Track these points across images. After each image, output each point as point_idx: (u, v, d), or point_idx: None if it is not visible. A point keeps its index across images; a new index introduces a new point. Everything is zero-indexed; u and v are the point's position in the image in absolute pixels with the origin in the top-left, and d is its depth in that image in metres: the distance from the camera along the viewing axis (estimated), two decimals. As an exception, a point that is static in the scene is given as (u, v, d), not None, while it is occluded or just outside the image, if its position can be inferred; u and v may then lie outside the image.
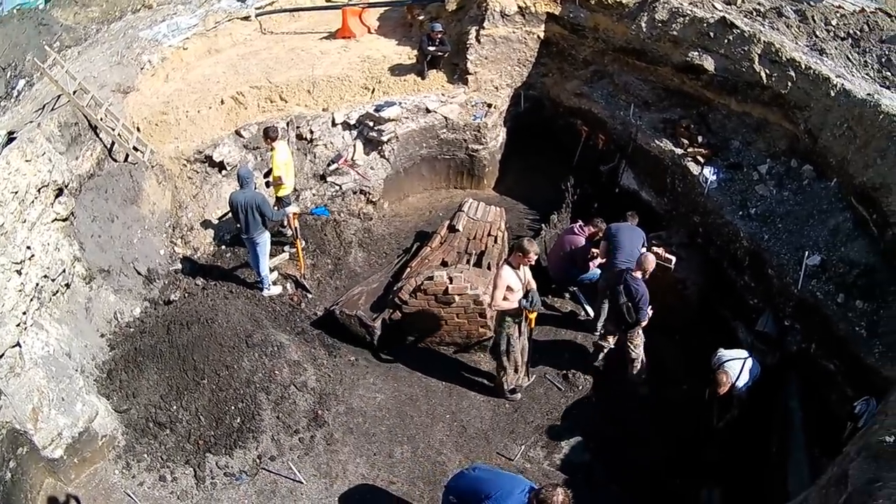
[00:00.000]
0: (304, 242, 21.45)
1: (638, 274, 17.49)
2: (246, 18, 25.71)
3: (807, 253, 18.03)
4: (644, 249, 18.88)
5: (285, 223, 21.22)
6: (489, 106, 24.98)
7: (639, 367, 18.52)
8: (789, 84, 20.23)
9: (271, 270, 20.29)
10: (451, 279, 18.25)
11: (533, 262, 16.42)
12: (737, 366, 16.75)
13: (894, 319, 16.13)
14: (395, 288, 19.01)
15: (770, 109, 21.18)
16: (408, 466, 16.35)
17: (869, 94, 18.51)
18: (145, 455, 15.58)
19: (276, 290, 20.10)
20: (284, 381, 17.23)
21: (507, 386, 17.80)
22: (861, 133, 18.32)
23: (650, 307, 17.58)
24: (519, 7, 24.65)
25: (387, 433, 16.91)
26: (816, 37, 20.97)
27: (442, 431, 17.32)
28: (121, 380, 16.45)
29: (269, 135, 20.17)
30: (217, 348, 17.07)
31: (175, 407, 16.19)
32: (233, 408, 16.35)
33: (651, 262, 17.66)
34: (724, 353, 17.13)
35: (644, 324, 17.88)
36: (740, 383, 16.58)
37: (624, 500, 16.35)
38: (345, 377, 18.10)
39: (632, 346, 18.19)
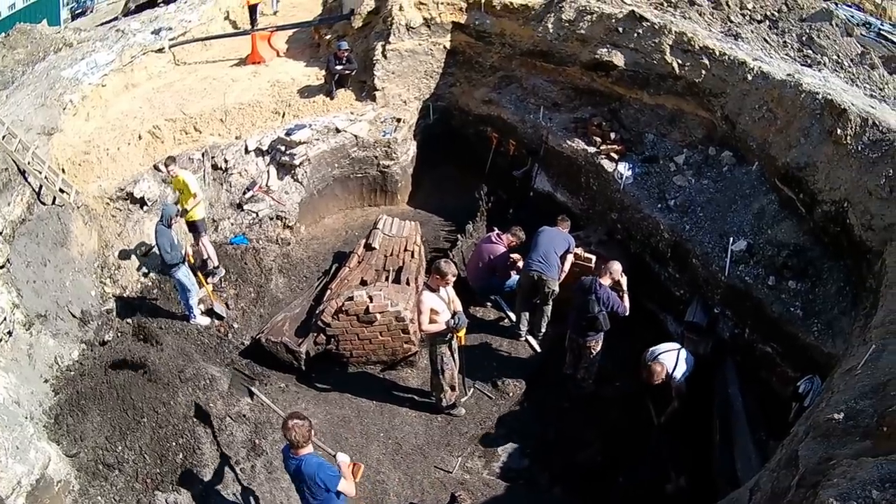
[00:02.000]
0: (222, 271, 20.93)
1: (605, 281, 17.14)
2: (160, 51, 25.12)
3: (731, 239, 17.77)
4: (566, 254, 18.81)
5: (205, 255, 20.69)
6: (398, 121, 24.52)
7: (593, 370, 18.12)
8: (703, 72, 20.00)
9: (201, 306, 19.67)
10: (370, 298, 17.76)
11: (451, 283, 15.99)
12: (671, 357, 16.39)
13: (831, 297, 15.93)
14: (317, 311, 18.47)
15: (684, 99, 20.93)
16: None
17: (789, 75, 18.28)
18: (99, 497, 14.81)
19: (204, 320, 19.49)
20: (220, 413, 16.53)
21: (447, 403, 17.35)
22: (782, 114, 18.06)
23: (622, 306, 17.25)
24: (424, 19, 24.31)
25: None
26: (731, 22, 20.83)
27: (378, 450, 16.88)
28: (67, 424, 15.71)
29: (169, 165, 19.67)
30: (152, 386, 16.40)
31: (120, 447, 15.37)
32: (174, 444, 15.69)
33: (617, 270, 17.35)
34: (657, 348, 16.82)
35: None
36: (678, 373, 16.22)
37: (568, 502, 15.92)
38: (277, 404, 17.03)
39: (592, 351, 17.71)
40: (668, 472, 16.42)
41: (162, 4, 26.12)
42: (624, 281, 17.43)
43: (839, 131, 16.31)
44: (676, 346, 16.81)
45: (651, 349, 16.89)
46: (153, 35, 25.55)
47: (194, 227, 20.37)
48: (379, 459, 16.54)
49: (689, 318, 18.18)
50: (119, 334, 18.43)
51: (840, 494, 8.21)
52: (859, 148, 15.84)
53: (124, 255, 19.99)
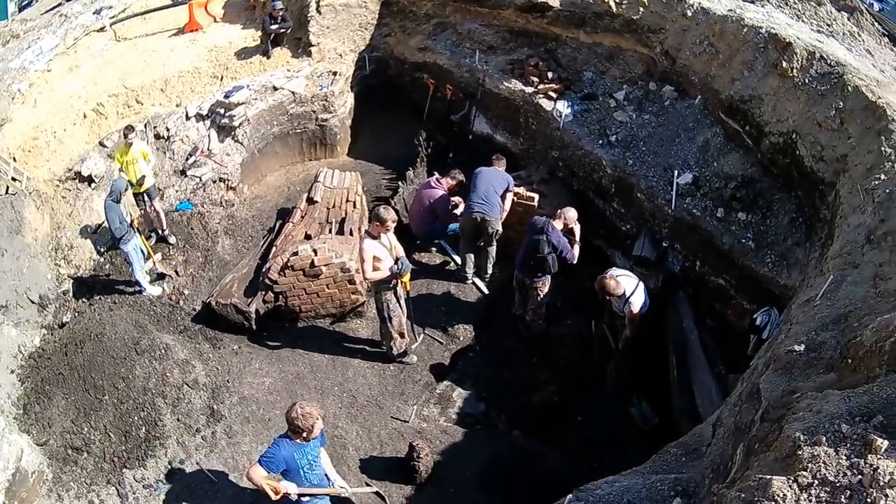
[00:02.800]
0: (173, 238, 20.77)
1: (558, 224, 16.95)
2: (102, 30, 24.48)
3: (676, 172, 17.70)
4: (506, 193, 18.52)
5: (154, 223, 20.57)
6: (334, 74, 24.20)
7: (542, 311, 18.00)
8: (641, 10, 19.84)
9: (149, 273, 19.55)
10: (315, 251, 17.43)
11: (392, 229, 15.63)
12: (630, 282, 16.25)
13: (784, 228, 15.92)
14: (264, 269, 18.32)
15: (622, 37, 20.77)
16: None
17: (730, 10, 18.21)
18: (72, 483, 14.72)
19: (155, 290, 19.25)
20: (177, 381, 16.29)
21: (397, 351, 17.19)
22: (724, 48, 17.98)
23: (571, 252, 17.14)
24: None
25: (281, 416, 14.99)
26: (669, -42, 20.36)
27: (334, 405, 16.63)
28: (35, 413, 15.71)
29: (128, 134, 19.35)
30: (110, 361, 16.29)
31: (86, 429, 15.39)
32: (136, 418, 15.57)
33: (572, 216, 17.23)
34: (614, 270, 16.61)
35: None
36: (634, 300, 16.08)
37: (529, 444, 15.78)
38: (232, 367, 17.12)
39: (539, 293, 17.53)
40: (630, 397, 16.56)
41: None
42: (577, 229, 17.34)
43: (784, 64, 16.19)
44: (633, 275, 16.63)
45: (610, 270, 16.65)
46: (94, 15, 25.06)
47: (148, 195, 20.14)
48: (335, 414, 16.34)
49: (637, 253, 18.13)
50: (76, 314, 18.32)
51: (807, 429, 7.97)
52: (806, 80, 15.71)
53: (76, 234, 19.73)
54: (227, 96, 22.27)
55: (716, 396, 14.79)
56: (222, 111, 22.32)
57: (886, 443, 7.29)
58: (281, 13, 23.44)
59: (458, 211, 19.38)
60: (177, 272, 20.02)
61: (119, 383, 15.87)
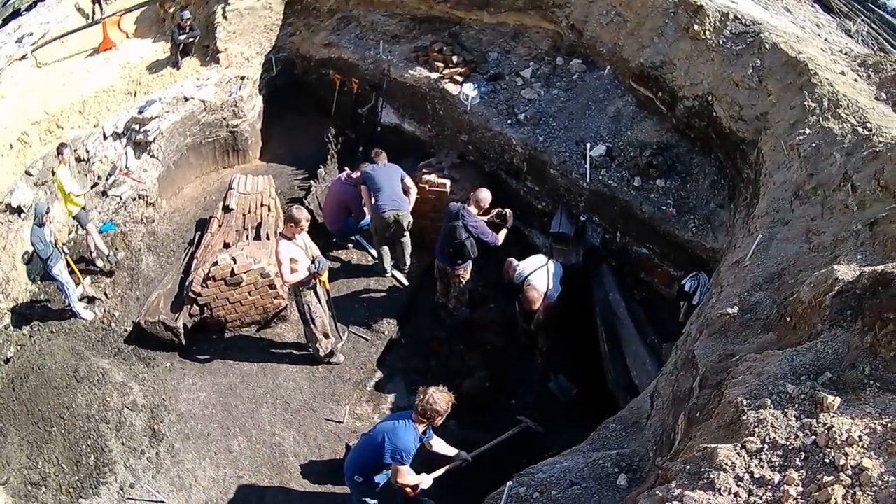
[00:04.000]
0: (120, 254, 20.42)
1: (472, 209, 16.60)
2: (24, 58, 23.68)
3: (589, 145, 17.37)
4: (404, 182, 18.23)
5: (92, 247, 20.05)
6: (242, 78, 23.87)
7: (465, 298, 17.93)
8: None
9: (81, 298, 19.06)
10: (234, 259, 17.19)
11: (306, 229, 15.37)
12: (542, 277, 16.15)
13: (705, 191, 15.94)
14: (186, 283, 17.96)
15: (526, 14, 20.56)
16: (248, 457, 15.64)
17: None
18: None
19: (88, 315, 18.86)
20: (117, 405, 16.21)
21: (324, 352, 16.93)
22: (632, 17, 17.79)
23: (493, 236, 16.77)
24: None
25: (219, 429, 16.16)
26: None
27: (268, 413, 16.46)
28: None
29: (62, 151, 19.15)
30: (53, 392, 16.31)
31: (41, 463, 15.44)
32: (84, 447, 15.52)
33: (484, 197, 16.83)
34: (524, 268, 16.56)
35: (509, 224, 17.16)
36: (552, 293, 16.08)
37: (464, 432, 15.52)
38: (167, 385, 16.97)
39: (461, 280, 17.43)
40: (547, 374, 16.67)
41: (24, 13, 24.93)
42: (510, 214, 17.09)
43: (696, 27, 16.05)
44: (541, 260, 16.56)
45: (517, 268, 16.59)
46: (17, 44, 24.55)
47: (77, 220, 19.73)
48: (271, 422, 16.19)
49: (555, 230, 17.82)
50: (18, 348, 18.05)
51: (749, 392, 7.71)
52: (721, 42, 15.59)
53: (11, 267, 19.34)
54: (140, 112, 21.87)
55: (651, 367, 14.60)
56: (137, 127, 21.90)
57: (839, 400, 7.02)
58: (188, 23, 23.06)
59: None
60: (106, 294, 19.63)
61: (64, 413, 15.80)
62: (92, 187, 20.10)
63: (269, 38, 24.35)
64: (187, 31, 22.78)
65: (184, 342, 17.59)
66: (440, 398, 11.05)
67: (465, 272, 17.20)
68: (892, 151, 10.59)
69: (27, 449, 15.37)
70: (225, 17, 23.11)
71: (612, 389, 15.50)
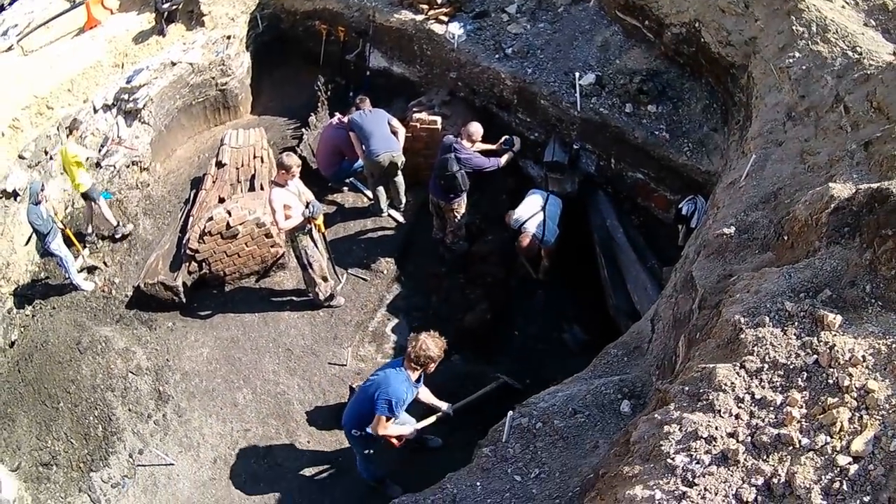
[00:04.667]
0: (129, 226, 20.18)
1: (466, 143, 16.53)
2: (10, 49, 23.43)
3: (578, 74, 17.24)
4: (391, 123, 18.04)
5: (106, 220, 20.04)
6: (228, 38, 23.68)
7: (462, 232, 17.84)
8: None
9: (81, 270, 18.98)
10: (229, 212, 17.09)
11: (297, 175, 15.34)
12: (536, 223, 16.24)
13: (697, 116, 15.79)
14: (184, 241, 17.97)
15: None
16: (254, 408, 15.53)
17: None
18: (49, 501, 14.70)
19: (88, 286, 18.73)
20: (121, 371, 16.07)
21: (324, 296, 16.84)
22: None
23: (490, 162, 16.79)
24: None
25: (224, 383, 16.06)
26: None
27: (272, 362, 16.24)
28: (4, 439, 15.62)
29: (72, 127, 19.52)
30: (58, 367, 16.19)
31: (50, 442, 15.32)
32: (91, 418, 15.41)
33: (476, 130, 16.75)
34: (520, 214, 16.51)
35: (516, 149, 17.39)
36: (547, 236, 16.16)
37: (470, 366, 15.62)
38: (170, 345, 16.84)
39: (456, 214, 17.30)
40: (560, 324, 16.42)
41: (7, 6, 24.78)
42: (517, 140, 17.31)
43: None
44: (538, 204, 16.63)
45: (514, 215, 16.55)
46: (3, 37, 24.41)
47: (88, 196, 19.71)
48: (275, 371, 16.07)
49: (549, 159, 17.63)
50: (22, 329, 18.00)
51: (747, 310, 7.64)
52: None
53: (9, 251, 19.29)
54: (128, 81, 21.70)
55: (652, 291, 14.61)
56: (126, 97, 21.78)
57: (840, 317, 6.92)
58: None
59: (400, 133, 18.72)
60: (105, 263, 19.59)
61: (70, 387, 15.74)
62: (86, 160, 19.78)
63: (252, -4, 24.32)
64: None
65: (184, 300, 17.49)
66: (432, 344, 10.90)
67: (460, 206, 17.12)
68: (884, 74, 10.48)
69: (36, 430, 15.38)
70: (208, -20, 22.96)
71: (613, 315, 15.52)
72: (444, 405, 12.27)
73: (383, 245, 18.53)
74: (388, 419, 11.08)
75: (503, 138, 17.15)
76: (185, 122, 23.49)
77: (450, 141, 16.41)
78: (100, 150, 20.99)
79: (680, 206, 14.79)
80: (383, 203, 18.87)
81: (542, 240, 16.00)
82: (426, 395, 12.17)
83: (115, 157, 21.26)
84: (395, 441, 11.66)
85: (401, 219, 18.92)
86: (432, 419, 12.15)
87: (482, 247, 17.94)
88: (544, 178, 17.40)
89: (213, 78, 23.14)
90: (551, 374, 14.32)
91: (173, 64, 22.23)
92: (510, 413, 10.47)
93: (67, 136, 19.21)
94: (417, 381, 11.36)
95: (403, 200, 18.95)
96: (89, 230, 19.79)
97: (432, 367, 11.09)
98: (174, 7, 22.64)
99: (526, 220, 16.18)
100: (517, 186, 17.51)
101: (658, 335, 11.22)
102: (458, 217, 17.21)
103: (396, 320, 16.96)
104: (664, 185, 16.13)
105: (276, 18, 24.71)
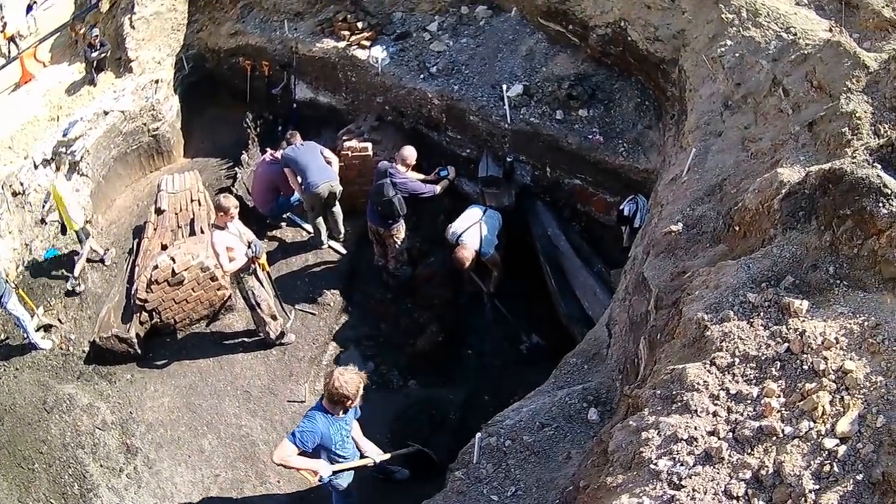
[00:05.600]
0: (112, 252, 20.49)
1: (401, 167, 16.54)
2: None
3: (505, 86, 17.22)
4: (328, 154, 18.10)
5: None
6: (156, 82, 23.59)
7: (403, 257, 17.79)
8: None
9: (38, 329, 18.72)
10: (173, 259, 17.04)
11: (236, 216, 15.27)
12: (474, 235, 16.08)
13: (630, 115, 15.73)
14: (132, 292, 17.75)
15: None
16: (221, 453, 15.35)
17: None
18: None
19: (46, 344, 18.56)
20: (88, 428, 16.02)
21: (274, 334, 16.80)
22: None
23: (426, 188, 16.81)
24: None
25: (188, 431, 15.98)
26: None
27: (232, 405, 16.13)
28: None
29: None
30: (28, 429, 16.09)
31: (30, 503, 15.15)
32: (66, 477, 15.24)
33: (411, 153, 16.79)
34: (457, 227, 16.39)
35: (451, 178, 17.28)
36: (485, 248, 16.02)
37: (428, 390, 15.75)
38: (131, 397, 16.76)
39: (396, 240, 17.28)
40: (518, 334, 16.46)
41: None
42: (452, 170, 17.22)
43: None
44: (475, 216, 16.53)
45: (451, 228, 16.44)
46: None
47: (77, 237, 20.05)
48: (236, 414, 16.03)
49: (483, 174, 17.67)
50: None
51: (709, 306, 7.56)
52: None
53: None
54: (65, 134, 21.51)
55: (602, 296, 14.59)
56: (64, 150, 21.57)
57: (806, 302, 6.88)
58: (98, 39, 22.81)
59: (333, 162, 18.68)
60: (60, 320, 19.35)
61: (42, 447, 15.65)
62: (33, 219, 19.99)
63: (177, 38, 24.17)
64: (98, 47, 22.57)
65: (139, 351, 17.32)
66: (348, 380, 10.27)
67: (399, 231, 17.10)
68: (822, 52, 10.44)
69: (16, 492, 15.20)
70: (133, 27, 22.86)
71: (565, 324, 15.37)
72: (373, 450, 11.86)
73: (327, 277, 18.46)
74: (297, 449, 10.49)
75: (438, 168, 17.17)
76: (122, 171, 23.30)
77: (384, 166, 16.39)
78: (43, 207, 20.85)
79: (621, 206, 14.67)
80: (324, 235, 18.82)
81: (481, 250, 15.90)
82: (357, 434, 11.71)
83: (57, 213, 20.84)
84: (305, 475, 11.18)
85: (342, 249, 18.85)
86: (354, 464, 11.56)
87: (426, 269, 17.86)
88: (481, 194, 17.33)
89: (145, 124, 22.99)
90: (510, 389, 14.42)
91: (105, 113, 22.01)
92: (478, 434, 10.30)
93: (55, 174, 19.41)
94: (344, 414, 10.81)
95: (342, 231, 18.86)
96: (103, 254, 19.97)
97: (351, 404, 10.56)
98: (102, 55, 22.57)
99: (462, 233, 16.10)
100: (454, 206, 17.46)
101: (616, 339, 11.14)
102: (399, 242, 17.18)
103: (349, 351, 16.87)
104: (603, 188, 16.05)
105: (200, 58, 24.68)
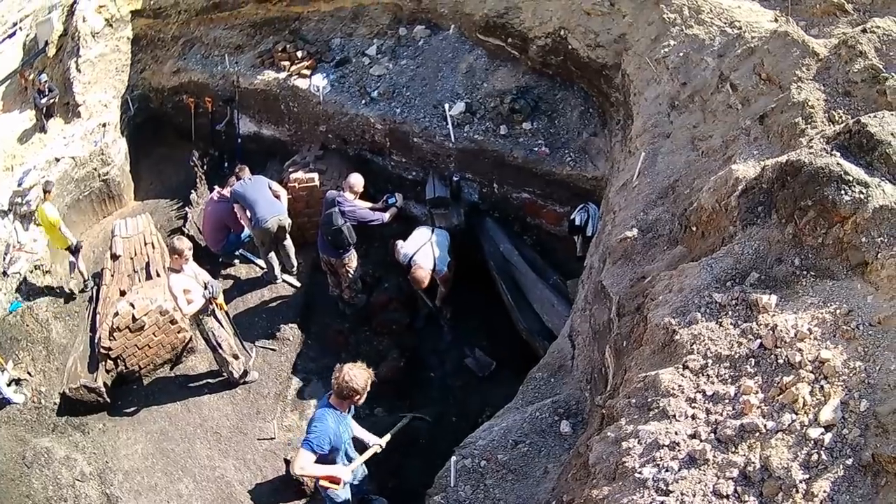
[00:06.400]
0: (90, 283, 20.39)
1: (349, 195, 16.44)
2: None
3: (447, 105, 17.24)
4: (276, 187, 18.11)
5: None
6: (104, 125, 23.41)
7: (357, 286, 17.69)
8: None
9: (9, 384, 18.45)
10: (132, 304, 16.89)
11: (190, 257, 15.12)
12: (426, 254, 16.00)
13: (575, 123, 15.74)
14: (95, 341, 17.64)
15: None
16: (198, 496, 15.14)
17: None
18: None
19: (18, 398, 18.31)
20: (68, 481, 15.70)
21: (238, 373, 16.66)
22: None
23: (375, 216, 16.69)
24: (106, 20, 23.27)
25: (164, 477, 15.73)
26: None
27: (204, 447, 15.90)
28: None
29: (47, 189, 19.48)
30: (12, 485, 15.74)
31: None
32: None
33: (357, 182, 16.70)
34: (408, 248, 16.28)
35: (399, 205, 17.11)
36: (439, 265, 15.91)
37: (394, 417, 15.00)
38: (105, 447, 16.49)
39: (349, 269, 17.20)
40: (462, 350, 16.45)
41: None
42: (399, 198, 17.03)
43: None
44: (425, 236, 16.45)
45: (402, 250, 16.28)
46: None
47: (69, 250, 20.23)
48: (208, 456, 15.82)
49: (431, 196, 17.65)
50: None
51: (675, 311, 7.48)
52: None
53: None
54: (19, 184, 21.45)
55: (561, 307, 14.48)
56: (20, 200, 21.48)
57: (774, 297, 6.84)
58: (46, 84, 22.63)
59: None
60: (29, 373, 19.11)
61: (26, 503, 15.44)
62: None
63: (121, 79, 24.06)
64: (46, 93, 22.42)
65: (108, 400, 17.13)
66: (357, 374, 10.31)
67: (351, 260, 17.05)
68: (769, 43, 10.43)
69: None
70: (79, 70, 22.76)
71: (526, 338, 15.28)
72: (373, 439, 11.79)
73: (284, 312, 18.41)
74: (314, 456, 10.38)
75: (385, 196, 17.07)
76: (76, 218, 22.94)
77: (332, 195, 16.34)
78: (3, 259, 20.60)
79: (572, 216, 14.65)
80: (277, 270, 18.76)
81: (435, 269, 15.80)
82: (357, 430, 11.62)
83: (19, 264, 20.88)
84: (325, 483, 10.86)
85: (296, 283, 18.81)
86: (365, 456, 11.59)
87: (381, 295, 17.92)
88: (429, 216, 17.30)
89: (95, 169, 22.87)
90: (476, 408, 14.81)
91: (57, 160, 21.91)
92: (452, 457, 10.22)
93: (43, 198, 19.20)
94: (349, 410, 10.96)
95: (295, 264, 18.84)
96: (84, 281, 20.00)
97: (359, 398, 10.56)
98: (51, 101, 22.38)
99: (414, 254, 15.98)
100: (403, 229, 17.21)
101: (580, 350, 11.06)
102: (352, 272, 17.15)
103: (313, 384, 16.81)
104: (552, 200, 16.04)
105: (145, 98, 24.54)
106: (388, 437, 12.09)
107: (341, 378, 10.24)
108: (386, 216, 16.51)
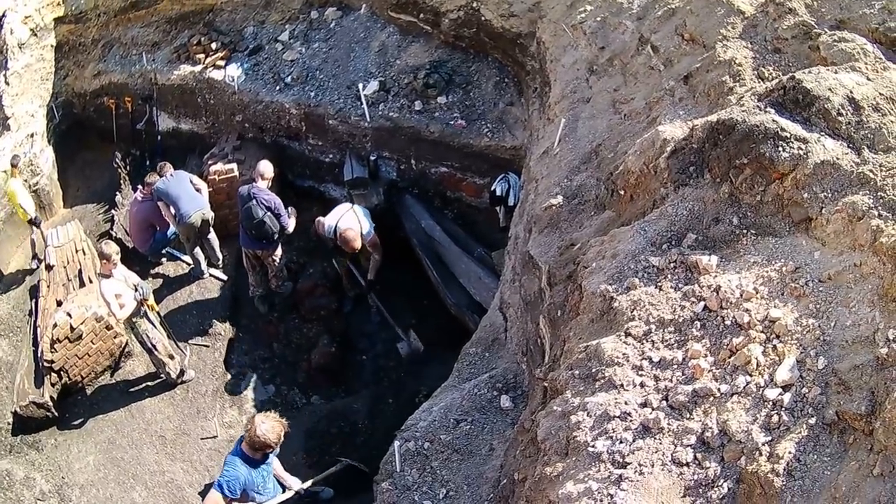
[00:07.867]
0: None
1: (262, 184, 16.14)
2: None
3: (361, 85, 17.12)
4: (196, 182, 17.85)
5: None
6: (32, 136, 22.71)
7: (283, 274, 17.56)
8: None
9: None
10: (69, 314, 16.44)
11: (119, 261, 14.80)
12: (351, 218, 15.63)
13: (490, 94, 15.66)
14: (38, 355, 17.26)
15: None
16: (153, 503, 15.13)
17: None
18: None
19: None
20: (30, 501, 15.45)
21: (175, 373, 16.40)
22: None
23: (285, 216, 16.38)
24: (31, 30, 22.36)
25: (118, 486, 15.44)
26: None
27: (151, 453, 15.61)
28: None
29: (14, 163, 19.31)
30: None
31: None
32: None
33: (267, 166, 16.36)
34: (331, 220, 15.95)
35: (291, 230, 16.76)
36: (367, 229, 15.57)
37: (332, 403, 15.57)
38: (59, 462, 16.14)
39: (275, 260, 17.04)
40: (396, 332, 16.22)
41: None
42: (292, 211, 16.82)
43: None
44: (346, 207, 16.20)
45: (325, 223, 15.97)
46: None
47: (32, 223, 19.95)
48: (157, 461, 15.56)
49: (349, 177, 17.51)
50: None
51: (611, 277, 7.26)
52: None
53: None
54: None
55: (488, 280, 14.35)
56: None
57: (714, 257, 6.69)
58: None
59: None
60: None
61: None
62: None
63: (46, 88, 23.32)
64: None
65: (56, 414, 16.72)
66: (268, 428, 10.11)
67: (277, 250, 16.88)
68: (691, 4, 10.28)
69: None
70: (7, 83, 21.90)
71: (455, 314, 15.16)
72: (294, 482, 11.67)
73: (213, 306, 18.18)
74: (226, 499, 10.32)
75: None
76: (11, 232, 22.22)
77: (245, 189, 16.13)
78: None
79: (493, 187, 14.55)
80: (203, 265, 18.53)
81: (363, 232, 15.40)
82: (278, 470, 11.48)
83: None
84: None
85: (222, 276, 18.60)
86: (279, 499, 11.38)
87: (307, 282, 17.86)
88: (349, 197, 17.13)
89: (26, 180, 21.83)
90: (412, 388, 14.74)
91: (-9, 175, 21.81)
92: (395, 442, 9.99)
93: (11, 168, 19.07)
94: (264, 459, 10.63)
95: (220, 257, 18.64)
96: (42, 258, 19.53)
97: (271, 450, 10.39)
98: (-17, 117, 21.99)
99: (338, 222, 15.64)
100: (324, 211, 16.76)
101: (512, 322, 10.92)
102: (278, 261, 17.02)
103: (248, 377, 16.65)
104: (471, 172, 15.98)
105: (69, 105, 24.00)
106: (309, 482, 12.02)
107: (253, 432, 10.07)
108: (291, 225, 16.42)
